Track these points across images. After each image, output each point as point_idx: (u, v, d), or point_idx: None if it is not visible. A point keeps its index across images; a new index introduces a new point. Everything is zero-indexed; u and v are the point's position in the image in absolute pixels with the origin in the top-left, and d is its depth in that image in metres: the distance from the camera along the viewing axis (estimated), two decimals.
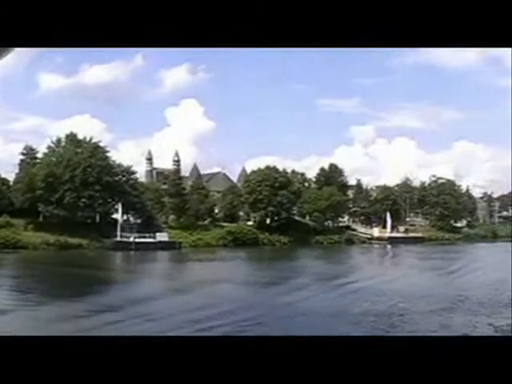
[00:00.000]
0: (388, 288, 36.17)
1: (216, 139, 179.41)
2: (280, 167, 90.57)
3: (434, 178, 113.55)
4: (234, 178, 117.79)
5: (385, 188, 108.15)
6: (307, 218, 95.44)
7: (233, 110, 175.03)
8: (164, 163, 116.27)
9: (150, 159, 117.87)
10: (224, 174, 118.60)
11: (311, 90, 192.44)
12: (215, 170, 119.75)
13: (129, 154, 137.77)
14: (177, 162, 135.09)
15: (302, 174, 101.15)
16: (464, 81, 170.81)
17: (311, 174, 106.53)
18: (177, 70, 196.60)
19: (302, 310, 27.05)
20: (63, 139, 72.80)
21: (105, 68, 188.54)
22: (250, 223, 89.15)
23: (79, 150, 70.27)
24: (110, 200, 70.85)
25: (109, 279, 43.64)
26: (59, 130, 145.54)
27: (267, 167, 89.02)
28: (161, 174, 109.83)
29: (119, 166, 73.97)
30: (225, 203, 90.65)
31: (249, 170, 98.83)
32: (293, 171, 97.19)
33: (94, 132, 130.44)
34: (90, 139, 72.68)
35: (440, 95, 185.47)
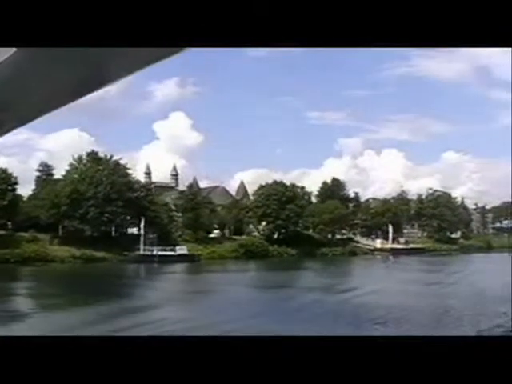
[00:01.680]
0: None
1: (205, 152, 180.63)
2: (269, 179, 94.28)
3: (430, 191, 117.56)
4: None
5: (384, 201, 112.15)
6: (310, 230, 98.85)
7: (221, 123, 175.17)
8: (154, 176, 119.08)
9: (148, 173, 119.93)
10: (223, 188, 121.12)
11: (300, 102, 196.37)
12: (214, 184, 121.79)
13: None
14: (175, 175, 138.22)
15: (303, 188, 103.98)
16: (452, 92, 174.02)
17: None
18: (166, 82, 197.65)
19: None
20: (84, 157, 75.92)
21: None
22: (254, 235, 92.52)
23: (101, 168, 73.45)
24: (130, 215, 73.79)
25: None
26: (48, 143, 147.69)
27: (275, 182, 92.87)
28: (160, 188, 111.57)
29: (137, 182, 77.24)
30: (231, 217, 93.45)
31: (237, 183, 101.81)
32: (293, 185, 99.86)
33: (83, 145, 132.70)
34: (111, 157, 76.13)
35: (428, 107, 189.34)
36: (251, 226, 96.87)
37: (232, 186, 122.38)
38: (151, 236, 73.97)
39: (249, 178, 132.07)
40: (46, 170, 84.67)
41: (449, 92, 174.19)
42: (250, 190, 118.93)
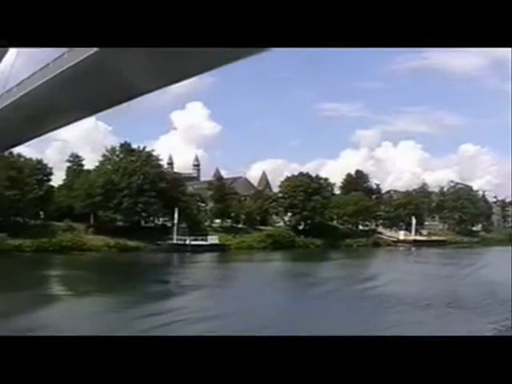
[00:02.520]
0: None
1: (222, 142, 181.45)
2: (286, 170, 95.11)
3: (452, 184, 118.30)
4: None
5: (406, 193, 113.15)
6: (334, 221, 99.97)
7: (238, 113, 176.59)
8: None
9: (171, 163, 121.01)
10: (245, 179, 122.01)
11: (314, 93, 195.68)
12: (231, 174, 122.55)
13: None
14: (197, 166, 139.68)
15: (326, 179, 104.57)
16: (467, 85, 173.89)
17: None
18: None
19: None
20: (117, 148, 77.41)
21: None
22: (278, 226, 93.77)
23: (133, 159, 74.89)
24: (162, 205, 75.21)
25: None
26: (65, 133, 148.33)
27: (301, 174, 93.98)
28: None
29: (169, 173, 78.68)
30: (256, 207, 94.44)
31: (255, 173, 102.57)
32: (318, 177, 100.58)
33: (100, 135, 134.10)
34: (144, 148, 77.55)
35: (443, 99, 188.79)
36: (274, 217, 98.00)
37: (249, 176, 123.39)
38: (182, 226, 75.29)
39: (266, 168, 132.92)
40: (76, 161, 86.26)
41: (464, 84, 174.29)
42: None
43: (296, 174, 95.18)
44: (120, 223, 75.55)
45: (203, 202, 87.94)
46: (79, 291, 38.45)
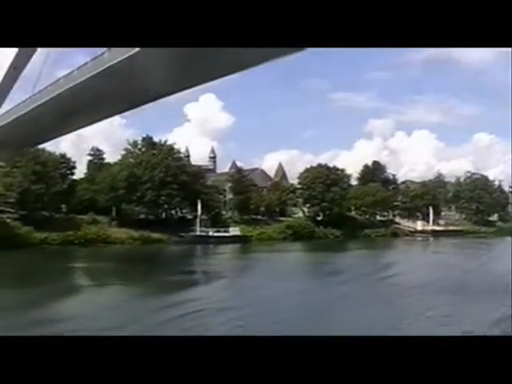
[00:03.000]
0: None
1: (235, 134, 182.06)
2: (300, 161, 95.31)
3: (468, 174, 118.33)
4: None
5: (423, 184, 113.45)
6: (352, 212, 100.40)
7: (251, 105, 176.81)
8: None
9: (187, 156, 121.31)
10: (262, 171, 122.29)
11: (328, 84, 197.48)
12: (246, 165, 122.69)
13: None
14: (213, 158, 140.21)
15: (343, 170, 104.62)
16: (482, 74, 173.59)
17: None
18: None
19: None
20: (139, 142, 78.08)
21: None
22: (296, 217, 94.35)
23: (155, 152, 75.56)
24: (184, 198, 75.94)
25: None
26: None
27: (319, 165, 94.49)
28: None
29: (190, 165, 79.37)
30: (275, 199, 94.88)
31: (269, 164, 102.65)
32: (336, 168, 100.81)
33: (114, 128, 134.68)
34: (165, 142, 78.19)
35: (457, 88, 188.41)
36: (291, 208, 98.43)
37: (263, 168, 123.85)
38: (204, 218, 75.96)
39: (280, 159, 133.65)
40: (97, 155, 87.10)
41: (478, 74, 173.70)
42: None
43: (313, 165, 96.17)
44: (142, 216, 76.41)
45: (221, 194, 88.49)
46: (106, 282, 39.89)
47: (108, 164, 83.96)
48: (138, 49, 24.46)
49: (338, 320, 24.76)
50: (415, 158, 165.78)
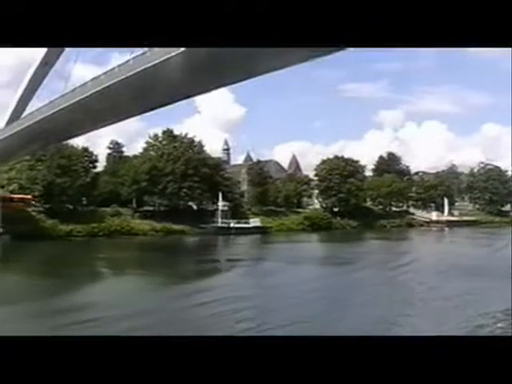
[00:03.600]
0: None
1: (246, 125, 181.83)
2: (310, 152, 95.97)
3: (482, 165, 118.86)
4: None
5: (437, 175, 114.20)
6: (368, 203, 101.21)
7: (262, 96, 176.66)
8: None
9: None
10: (276, 162, 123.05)
11: (338, 74, 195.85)
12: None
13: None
14: (226, 150, 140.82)
15: (357, 162, 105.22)
16: (490, 64, 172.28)
17: None
18: None
19: None
20: (160, 135, 78.94)
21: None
22: (311, 208, 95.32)
23: (176, 145, 76.47)
24: (204, 190, 76.94)
25: None
26: None
27: (336, 157, 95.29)
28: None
29: (211, 158, 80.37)
30: (292, 190, 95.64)
31: (280, 155, 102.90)
32: (351, 159, 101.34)
33: (126, 120, 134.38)
34: (186, 135, 79.02)
35: (466, 79, 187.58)
36: (306, 199, 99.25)
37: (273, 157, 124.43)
38: (224, 209, 76.88)
39: (290, 150, 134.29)
40: (116, 148, 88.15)
41: (487, 64, 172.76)
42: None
43: (323, 155, 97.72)
44: (162, 208, 77.50)
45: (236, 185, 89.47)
46: (135, 271, 41.27)
47: (126, 157, 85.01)
48: (180, 50, 25.22)
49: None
50: (425, 148, 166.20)
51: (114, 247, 60.23)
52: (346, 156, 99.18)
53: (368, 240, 75.30)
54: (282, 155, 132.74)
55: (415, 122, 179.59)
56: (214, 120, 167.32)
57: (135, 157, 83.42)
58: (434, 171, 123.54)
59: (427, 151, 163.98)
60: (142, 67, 28.55)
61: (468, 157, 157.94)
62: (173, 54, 26.07)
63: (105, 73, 34.37)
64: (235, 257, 51.61)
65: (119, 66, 32.07)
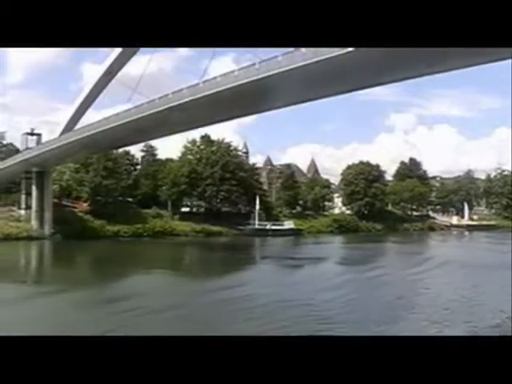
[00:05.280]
0: None
1: (258, 128, 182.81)
2: (322, 155, 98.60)
3: (499, 171, 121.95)
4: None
5: (456, 180, 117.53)
6: (389, 207, 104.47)
7: None
8: None
9: None
10: (296, 166, 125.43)
11: None
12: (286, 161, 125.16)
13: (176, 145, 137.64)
14: (245, 153, 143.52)
15: (378, 166, 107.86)
16: (502, 67, 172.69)
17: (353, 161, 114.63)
18: (223, 59, 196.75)
19: None
20: (198, 140, 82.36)
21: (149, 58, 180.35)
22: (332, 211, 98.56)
23: (214, 149, 79.83)
24: (241, 193, 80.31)
25: None
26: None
27: (361, 162, 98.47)
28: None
29: (246, 163, 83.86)
30: (317, 193, 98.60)
31: (291, 157, 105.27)
32: (376, 165, 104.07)
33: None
34: (223, 140, 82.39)
35: (478, 82, 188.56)
36: (327, 203, 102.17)
37: (285, 161, 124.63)
38: (259, 212, 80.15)
39: (301, 152, 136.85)
40: (150, 151, 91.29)
41: (500, 66, 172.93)
42: (305, 164, 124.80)
43: (334, 158, 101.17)
44: (194, 209, 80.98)
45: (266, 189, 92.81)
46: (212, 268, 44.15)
47: (159, 160, 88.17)
48: (292, 65, 28.36)
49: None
50: (437, 152, 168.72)
51: (177, 247, 64.27)
52: (357, 159, 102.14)
53: (408, 243, 77.43)
54: (293, 158, 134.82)
55: (426, 126, 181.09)
56: (225, 122, 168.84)
57: (168, 160, 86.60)
58: (449, 176, 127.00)
59: (438, 155, 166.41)
60: (251, 78, 31.20)
61: (480, 161, 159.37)
62: (285, 68, 29.01)
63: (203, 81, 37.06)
64: (302, 255, 55.49)
65: (222, 75, 34.81)
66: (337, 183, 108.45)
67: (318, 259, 49.27)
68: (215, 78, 34.57)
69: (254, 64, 31.36)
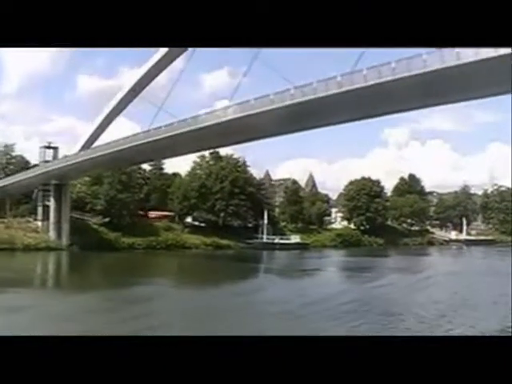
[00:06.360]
0: None
1: (251, 143, 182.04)
2: (316, 169, 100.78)
3: (495, 186, 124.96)
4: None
5: (455, 195, 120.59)
6: (389, 221, 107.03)
7: None
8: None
9: None
10: (294, 180, 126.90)
11: None
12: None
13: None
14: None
15: (379, 182, 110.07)
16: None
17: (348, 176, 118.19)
18: (217, 72, 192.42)
19: None
20: (207, 155, 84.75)
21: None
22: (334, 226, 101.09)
23: (223, 164, 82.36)
24: (249, 207, 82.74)
25: None
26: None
27: (363, 178, 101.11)
28: None
29: (254, 178, 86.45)
30: (320, 208, 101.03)
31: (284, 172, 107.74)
32: (377, 181, 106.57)
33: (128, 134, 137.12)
34: (231, 155, 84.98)
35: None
36: (327, 218, 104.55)
37: (279, 175, 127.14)
38: (268, 226, 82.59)
39: (295, 167, 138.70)
40: (157, 165, 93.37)
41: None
42: (299, 178, 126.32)
43: (328, 173, 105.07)
44: (202, 224, 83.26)
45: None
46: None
47: (166, 174, 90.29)
48: (324, 93, 31.02)
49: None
50: (430, 167, 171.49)
51: (199, 258, 67.25)
52: (351, 174, 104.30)
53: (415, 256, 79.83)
54: (288, 172, 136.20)
55: (419, 141, 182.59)
56: None
57: (175, 174, 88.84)
58: (443, 191, 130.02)
59: (432, 170, 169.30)
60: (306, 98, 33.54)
61: (473, 176, 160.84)
62: (322, 94, 31.50)
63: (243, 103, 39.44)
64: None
65: (256, 99, 37.26)
66: (334, 198, 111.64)
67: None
68: (248, 101, 37.08)
69: (288, 89, 33.86)
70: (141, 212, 78.28)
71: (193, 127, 42.19)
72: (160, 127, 47.32)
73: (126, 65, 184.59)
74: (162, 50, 50.58)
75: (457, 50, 25.66)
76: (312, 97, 31.93)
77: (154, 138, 47.01)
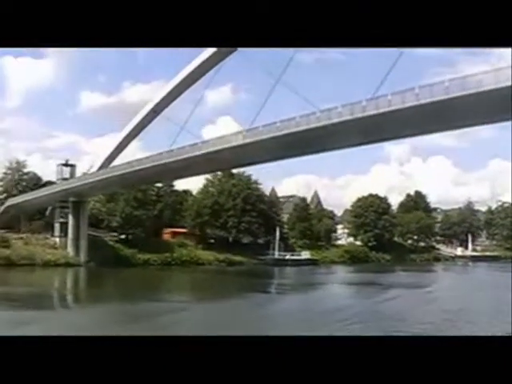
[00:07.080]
0: None
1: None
2: (317, 185, 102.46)
3: (499, 203, 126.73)
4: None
5: (459, 212, 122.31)
6: (395, 238, 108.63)
7: None
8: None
9: None
10: (299, 198, 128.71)
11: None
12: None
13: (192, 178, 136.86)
14: None
15: (386, 199, 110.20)
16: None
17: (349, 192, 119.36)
18: (220, 89, 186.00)
19: None
20: (219, 172, 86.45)
21: (146, 86, 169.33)
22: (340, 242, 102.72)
23: (234, 182, 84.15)
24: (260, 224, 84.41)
25: None
26: (94, 147, 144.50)
27: (370, 195, 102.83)
28: None
29: (265, 195, 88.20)
30: (329, 225, 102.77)
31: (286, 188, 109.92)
32: (385, 198, 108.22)
33: (129, 150, 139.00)
34: (243, 172, 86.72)
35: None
36: (333, 234, 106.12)
37: (280, 191, 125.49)
38: (280, 243, 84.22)
39: (297, 183, 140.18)
40: (168, 183, 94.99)
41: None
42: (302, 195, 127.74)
43: (330, 189, 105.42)
44: (212, 240, 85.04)
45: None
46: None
47: (176, 191, 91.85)
48: (346, 118, 32.92)
49: None
50: (432, 183, 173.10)
51: (213, 273, 68.67)
52: (352, 190, 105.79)
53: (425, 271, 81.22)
54: (290, 189, 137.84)
55: (420, 158, 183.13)
56: None
57: (186, 191, 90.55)
58: (447, 207, 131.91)
59: (434, 186, 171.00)
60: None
61: (475, 192, 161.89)
62: (346, 118, 33.37)
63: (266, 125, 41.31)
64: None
65: (282, 121, 39.14)
66: (339, 214, 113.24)
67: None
68: (275, 123, 39.01)
69: (314, 113, 35.75)
70: (166, 229, 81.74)
71: (205, 150, 44.51)
72: (184, 147, 49.12)
73: (128, 80, 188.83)
74: (186, 71, 52.42)
75: (479, 76, 27.38)
76: (315, 125, 34.06)
77: (175, 159, 48.79)
